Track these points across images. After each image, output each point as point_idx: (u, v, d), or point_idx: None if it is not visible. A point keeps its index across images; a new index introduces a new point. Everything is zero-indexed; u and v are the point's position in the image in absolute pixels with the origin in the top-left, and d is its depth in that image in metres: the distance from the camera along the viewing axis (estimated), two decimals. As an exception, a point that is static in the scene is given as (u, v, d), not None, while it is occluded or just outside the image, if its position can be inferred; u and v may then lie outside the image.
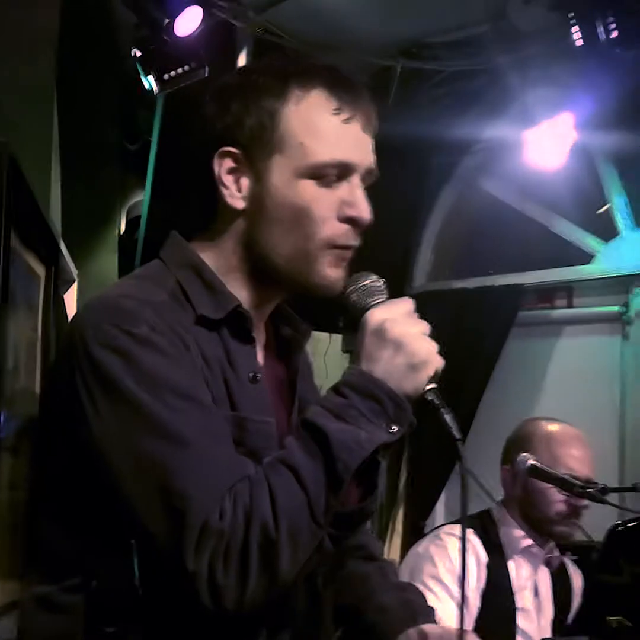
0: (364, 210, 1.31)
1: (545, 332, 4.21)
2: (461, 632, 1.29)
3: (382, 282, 1.31)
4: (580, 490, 2.28)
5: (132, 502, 1.15)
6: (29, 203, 2.03)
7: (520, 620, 2.38)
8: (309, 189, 1.28)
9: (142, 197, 3.32)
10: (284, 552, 1.11)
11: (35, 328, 2.21)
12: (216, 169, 1.31)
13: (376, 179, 1.36)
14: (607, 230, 4.07)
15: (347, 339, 4.32)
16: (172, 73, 2.76)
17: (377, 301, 1.29)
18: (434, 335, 1.25)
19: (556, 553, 2.49)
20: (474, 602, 2.35)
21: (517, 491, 2.46)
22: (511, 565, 2.42)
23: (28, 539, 1.30)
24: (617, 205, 4.04)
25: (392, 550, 4.18)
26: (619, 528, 1.68)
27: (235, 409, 1.26)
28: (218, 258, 1.34)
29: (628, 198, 4.01)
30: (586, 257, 4.11)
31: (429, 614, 1.52)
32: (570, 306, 4.18)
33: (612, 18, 2.96)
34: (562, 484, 2.31)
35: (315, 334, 3.67)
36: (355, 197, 1.30)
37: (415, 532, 3.95)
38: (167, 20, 2.63)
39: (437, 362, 1.24)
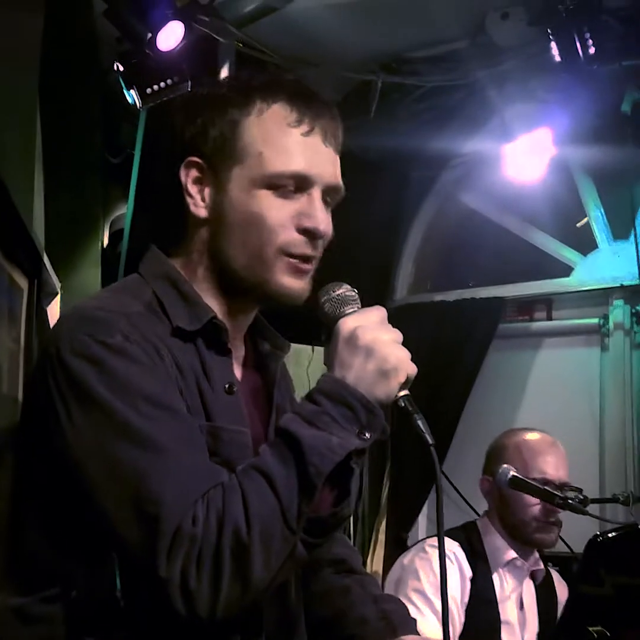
0: (321, 221, 1.31)
1: (525, 344, 4.25)
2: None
3: (354, 292, 1.32)
4: (560, 501, 2.30)
5: (105, 509, 1.15)
6: (12, 216, 2.04)
7: (504, 634, 2.38)
8: (265, 198, 1.29)
9: (125, 210, 3.32)
10: (256, 557, 1.11)
11: (17, 339, 2.22)
12: (183, 178, 1.33)
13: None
14: (585, 243, 4.11)
15: (329, 351, 4.31)
16: (155, 87, 2.76)
17: (350, 310, 1.29)
18: (409, 344, 1.25)
19: (540, 565, 2.49)
20: (459, 617, 2.34)
21: (496, 501, 2.48)
22: (496, 577, 2.42)
23: (6, 549, 1.29)
24: (595, 218, 4.08)
25: (375, 561, 4.17)
26: (599, 539, 1.69)
27: (210, 419, 1.26)
28: (189, 269, 1.35)
29: (605, 211, 4.06)
30: (565, 270, 4.14)
31: (410, 625, 1.51)
32: (549, 318, 4.22)
33: (590, 34, 2.99)
34: (543, 495, 2.33)
35: (298, 346, 3.68)
36: (312, 209, 1.30)
37: (398, 544, 3.96)
38: (149, 35, 2.63)
39: (409, 369, 1.25)
